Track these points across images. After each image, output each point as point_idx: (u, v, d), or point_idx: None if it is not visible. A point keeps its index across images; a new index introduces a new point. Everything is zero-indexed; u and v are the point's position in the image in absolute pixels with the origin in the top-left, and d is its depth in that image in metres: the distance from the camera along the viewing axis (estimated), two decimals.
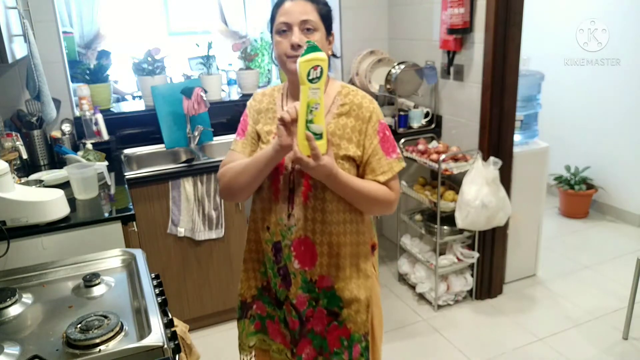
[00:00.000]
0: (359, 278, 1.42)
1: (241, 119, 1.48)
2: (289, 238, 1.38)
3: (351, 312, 1.41)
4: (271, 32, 1.39)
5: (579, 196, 3.91)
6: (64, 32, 2.81)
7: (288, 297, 1.44)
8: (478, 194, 2.49)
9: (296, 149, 1.21)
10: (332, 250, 1.38)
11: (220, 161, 2.47)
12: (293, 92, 1.39)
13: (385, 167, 1.36)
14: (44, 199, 1.71)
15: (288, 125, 1.22)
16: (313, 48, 1.17)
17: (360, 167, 1.37)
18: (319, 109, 1.18)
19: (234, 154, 1.44)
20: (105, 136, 2.61)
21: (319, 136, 1.20)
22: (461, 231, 2.75)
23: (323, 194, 1.34)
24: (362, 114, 1.35)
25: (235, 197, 1.46)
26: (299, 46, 1.28)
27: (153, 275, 1.44)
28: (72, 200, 1.92)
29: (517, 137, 2.81)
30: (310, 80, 1.17)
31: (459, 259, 2.76)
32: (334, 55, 1.47)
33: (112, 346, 1.09)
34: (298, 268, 1.39)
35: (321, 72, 1.17)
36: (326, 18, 1.36)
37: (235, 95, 3.20)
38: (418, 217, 2.93)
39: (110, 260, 1.51)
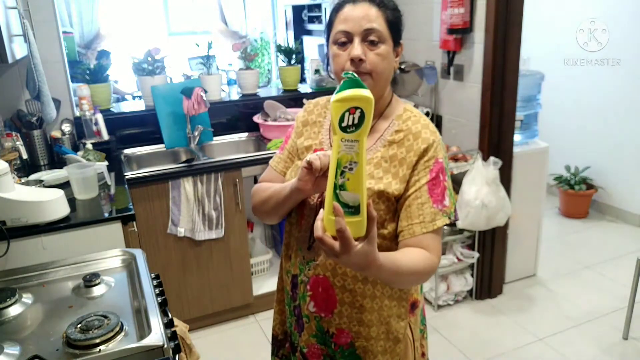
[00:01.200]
0: (388, 340, 1.18)
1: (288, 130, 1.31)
2: (305, 274, 1.17)
3: None
4: (327, 40, 1.16)
5: (579, 196, 3.91)
6: (64, 32, 2.81)
7: (299, 344, 1.24)
8: (478, 194, 2.49)
9: (318, 223, 0.87)
10: (354, 300, 1.15)
11: (221, 161, 2.49)
12: None
13: (428, 217, 1.07)
14: (44, 199, 1.71)
15: (314, 173, 1.01)
16: (353, 82, 0.85)
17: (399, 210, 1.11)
18: (354, 170, 0.84)
19: (270, 170, 1.27)
20: (105, 136, 2.61)
21: (352, 210, 0.85)
22: (461, 231, 2.75)
23: None
24: (417, 145, 1.10)
25: (264, 220, 1.27)
26: (361, 60, 1.07)
27: (153, 275, 1.44)
28: (72, 200, 1.92)
29: (517, 137, 2.81)
30: (344, 129, 0.84)
31: (459, 259, 2.76)
32: (401, 70, 1.22)
33: (112, 346, 1.09)
34: (313, 312, 1.17)
35: (362, 117, 0.84)
36: (395, 26, 1.12)
37: (235, 95, 3.20)
38: None
39: (110, 260, 1.51)
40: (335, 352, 1.19)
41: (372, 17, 1.08)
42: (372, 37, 1.08)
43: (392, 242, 1.13)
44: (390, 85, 1.17)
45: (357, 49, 1.07)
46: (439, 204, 1.09)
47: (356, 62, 1.07)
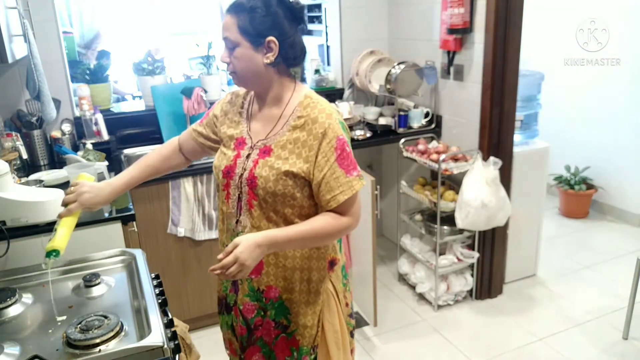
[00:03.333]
0: (310, 293, 1.39)
1: None
2: None
3: (299, 326, 1.39)
4: None
5: (579, 196, 3.91)
6: (64, 32, 2.81)
7: (237, 303, 1.44)
8: (478, 194, 2.49)
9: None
10: (278, 261, 1.35)
11: None
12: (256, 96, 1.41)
13: (345, 186, 1.27)
14: (44, 199, 1.71)
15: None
16: (50, 253, 1.29)
17: (317, 187, 1.28)
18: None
19: (188, 132, 1.61)
20: (105, 136, 2.61)
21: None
22: (461, 231, 2.75)
23: (269, 204, 1.31)
24: (315, 129, 1.27)
25: None
26: (227, 63, 1.31)
27: (153, 275, 1.44)
28: None
29: (517, 137, 2.81)
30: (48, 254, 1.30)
31: (459, 259, 2.76)
32: (295, 76, 1.39)
33: (112, 346, 1.09)
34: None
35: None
36: (248, 30, 1.24)
37: None
38: (418, 217, 2.93)
39: (110, 260, 1.51)
40: (266, 305, 1.40)
41: (228, 26, 1.27)
42: (227, 44, 1.29)
43: (310, 209, 1.34)
44: (289, 76, 1.35)
45: (222, 55, 1.31)
46: (352, 172, 1.29)
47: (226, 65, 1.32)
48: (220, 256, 1.18)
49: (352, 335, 1.54)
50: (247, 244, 1.18)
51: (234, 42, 1.27)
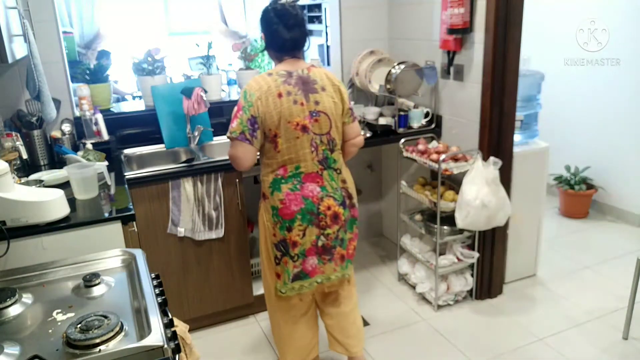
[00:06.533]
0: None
1: None
2: None
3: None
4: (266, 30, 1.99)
5: (579, 196, 3.91)
6: (64, 32, 2.81)
7: None
8: (478, 194, 2.49)
9: None
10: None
11: (221, 161, 2.49)
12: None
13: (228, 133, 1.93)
14: (44, 199, 1.71)
15: None
16: None
17: None
18: None
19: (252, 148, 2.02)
20: (105, 136, 2.61)
21: None
22: (461, 231, 2.75)
23: None
24: None
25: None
26: None
27: (153, 275, 1.44)
28: (72, 200, 1.92)
29: (517, 137, 2.81)
30: None
31: (459, 259, 2.76)
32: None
33: (112, 346, 1.09)
34: None
35: None
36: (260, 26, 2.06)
37: (235, 95, 3.20)
38: (418, 217, 2.93)
39: (110, 260, 1.51)
40: None
41: None
42: None
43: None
44: (274, 58, 2.04)
45: None
46: (231, 124, 1.91)
47: None
48: None
49: (276, 261, 2.02)
50: None
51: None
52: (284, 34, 1.92)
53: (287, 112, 1.89)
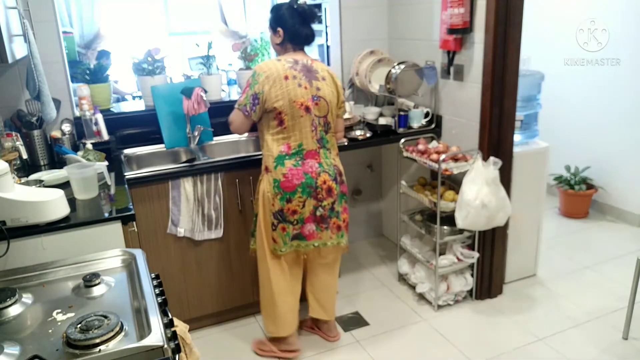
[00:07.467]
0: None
1: None
2: None
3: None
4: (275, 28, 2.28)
5: (579, 196, 3.91)
6: (64, 32, 2.81)
7: None
8: (478, 194, 2.49)
9: None
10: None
11: (221, 161, 2.49)
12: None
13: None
14: (44, 199, 1.71)
15: None
16: None
17: None
18: None
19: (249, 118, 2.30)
20: (105, 136, 2.61)
21: None
22: (461, 231, 2.75)
23: None
24: None
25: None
26: None
27: (153, 275, 1.44)
28: (72, 200, 1.92)
29: (517, 137, 2.81)
30: None
31: (459, 259, 2.76)
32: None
33: (112, 346, 1.09)
34: None
35: None
36: (270, 24, 2.32)
37: (235, 95, 3.20)
38: (418, 217, 2.93)
39: (110, 260, 1.51)
40: None
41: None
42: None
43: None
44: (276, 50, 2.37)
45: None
46: (240, 97, 2.24)
47: None
48: None
49: (272, 227, 2.27)
50: None
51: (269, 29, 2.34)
52: (303, 29, 2.25)
53: (292, 92, 2.16)
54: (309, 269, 2.50)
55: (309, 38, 2.29)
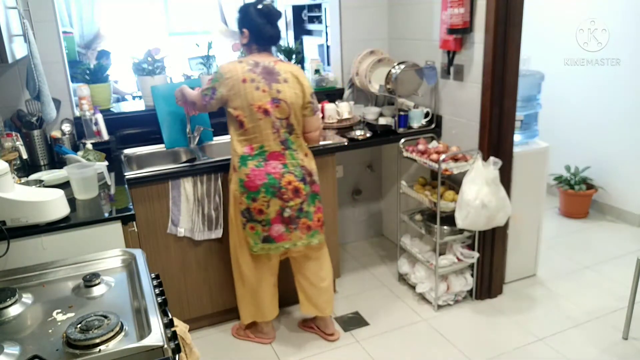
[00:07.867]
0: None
1: None
2: None
3: None
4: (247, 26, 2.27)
5: (579, 196, 3.91)
6: (64, 32, 2.81)
7: None
8: (478, 194, 2.49)
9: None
10: None
11: (221, 161, 2.49)
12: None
13: None
14: (44, 199, 1.71)
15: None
16: None
17: None
18: None
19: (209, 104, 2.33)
20: (105, 136, 2.61)
21: None
22: (461, 231, 2.75)
23: None
24: None
25: None
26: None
27: (153, 275, 1.44)
28: (72, 200, 1.92)
29: (517, 137, 2.81)
30: None
31: (459, 259, 2.76)
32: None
33: (112, 346, 1.09)
34: None
35: None
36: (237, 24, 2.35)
37: None
38: (418, 217, 2.93)
39: (110, 260, 1.51)
40: None
41: None
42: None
43: None
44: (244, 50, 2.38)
45: None
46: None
47: None
48: None
49: (242, 226, 2.31)
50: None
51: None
52: (268, 30, 2.24)
53: (250, 96, 2.17)
54: (294, 266, 2.53)
55: (274, 39, 2.29)
